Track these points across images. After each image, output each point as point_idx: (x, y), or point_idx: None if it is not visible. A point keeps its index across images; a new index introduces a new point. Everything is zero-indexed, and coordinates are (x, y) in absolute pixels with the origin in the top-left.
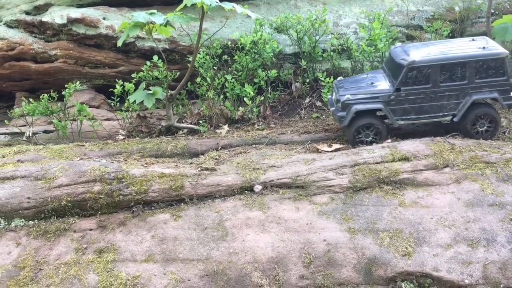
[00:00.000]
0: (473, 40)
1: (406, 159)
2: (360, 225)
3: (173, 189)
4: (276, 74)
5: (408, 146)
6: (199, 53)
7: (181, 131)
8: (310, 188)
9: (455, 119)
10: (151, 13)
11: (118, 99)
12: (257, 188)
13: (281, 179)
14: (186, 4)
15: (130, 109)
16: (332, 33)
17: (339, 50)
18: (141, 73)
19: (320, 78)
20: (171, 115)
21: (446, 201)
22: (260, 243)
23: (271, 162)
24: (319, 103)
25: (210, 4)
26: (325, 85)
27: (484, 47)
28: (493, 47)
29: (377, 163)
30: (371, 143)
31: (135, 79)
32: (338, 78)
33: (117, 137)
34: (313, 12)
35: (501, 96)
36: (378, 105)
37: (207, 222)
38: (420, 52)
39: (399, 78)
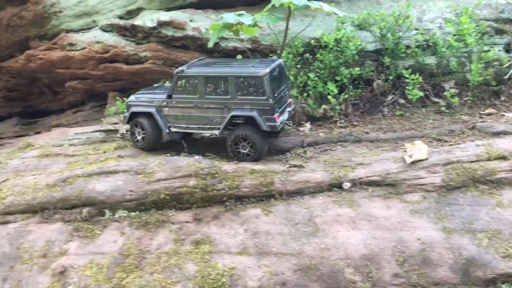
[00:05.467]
0: (261, 61)
1: (503, 157)
2: (455, 224)
3: (263, 185)
4: (359, 72)
5: (505, 144)
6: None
7: None
8: (400, 186)
9: (216, 133)
10: (239, 14)
11: None
12: (346, 185)
13: (370, 176)
14: (273, 4)
15: None
16: (416, 29)
17: (424, 46)
18: None
19: (405, 75)
20: None
21: None
22: (351, 240)
23: (359, 159)
24: (402, 101)
25: (298, 4)
26: (409, 82)
27: (253, 65)
28: (260, 67)
29: (472, 161)
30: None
31: None
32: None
33: None
34: (395, 7)
35: (261, 116)
36: (150, 109)
37: (297, 217)
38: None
39: (172, 86)
